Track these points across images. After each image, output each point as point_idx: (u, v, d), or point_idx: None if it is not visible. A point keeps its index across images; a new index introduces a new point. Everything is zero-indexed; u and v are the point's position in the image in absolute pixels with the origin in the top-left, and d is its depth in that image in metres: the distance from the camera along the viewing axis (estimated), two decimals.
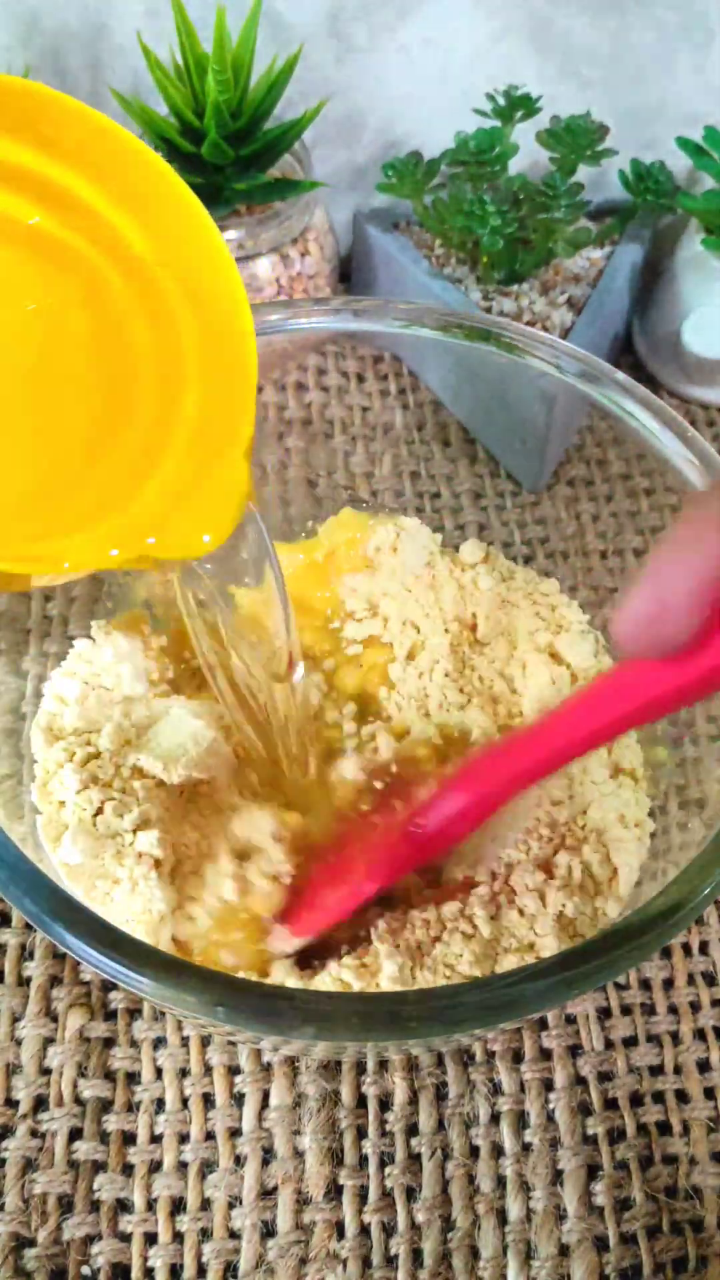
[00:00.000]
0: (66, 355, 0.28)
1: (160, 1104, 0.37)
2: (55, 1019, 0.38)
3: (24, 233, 0.27)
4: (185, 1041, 0.38)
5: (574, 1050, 0.39)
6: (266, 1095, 0.37)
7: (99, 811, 0.35)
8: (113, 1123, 0.37)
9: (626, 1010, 0.40)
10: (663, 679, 0.23)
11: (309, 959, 0.35)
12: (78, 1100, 0.37)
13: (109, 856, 0.33)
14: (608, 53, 0.54)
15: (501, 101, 0.53)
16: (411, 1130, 0.37)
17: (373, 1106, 0.37)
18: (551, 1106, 0.38)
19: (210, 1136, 0.37)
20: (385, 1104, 0.38)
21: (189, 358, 0.29)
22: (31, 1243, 0.35)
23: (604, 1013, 0.39)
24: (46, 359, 0.28)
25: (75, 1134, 0.37)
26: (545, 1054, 0.39)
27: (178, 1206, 0.36)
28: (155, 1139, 0.37)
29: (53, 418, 0.28)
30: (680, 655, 0.22)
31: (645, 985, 0.40)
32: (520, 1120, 0.37)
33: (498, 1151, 0.37)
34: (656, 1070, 0.39)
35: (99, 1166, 0.36)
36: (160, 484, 0.28)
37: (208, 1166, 0.36)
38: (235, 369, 0.30)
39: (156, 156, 0.28)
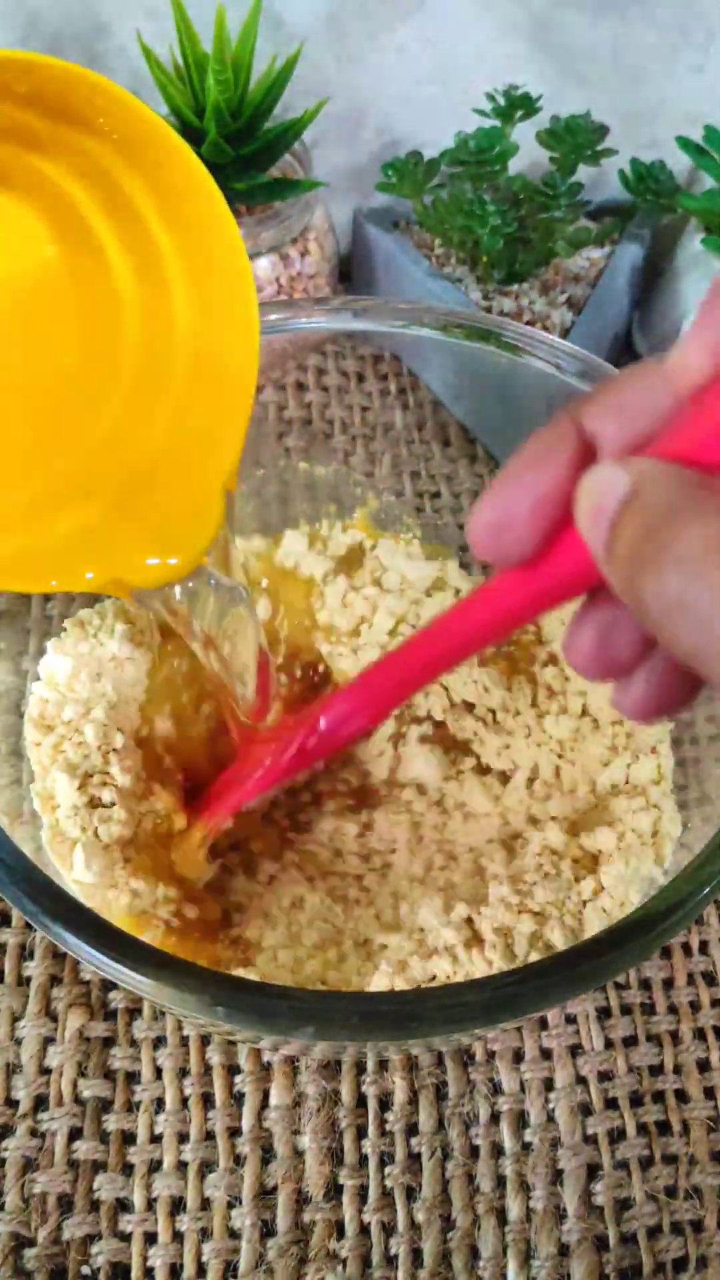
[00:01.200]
0: (60, 348, 0.28)
1: (160, 1103, 0.37)
2: (55, 1019, 0.38)
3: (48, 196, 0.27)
4: (185, 1041, 0.38)
5: (574, 1050, 0.39)
6: (266, 1095, 0.37)
7: (94, 805, 0.35)
8: (112, 1122, 0.37)
9: (626, 1010, 0.40)
10: (515, 589, 0.24)
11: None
12: (77, 1100, 0.37)
13: (118, 869, 0.34)
14: (608, 53, 0.54)
15: (501, 101, 0.53)
16: (411, 1130, 0.37)
17: (373, 1106, 0.37)
18: (551, 1106, 0.38)
19: (210, 1136, 0.37)
20: (385, 1104, 0.38)
21: (179, 376, 0.29)
22: (31, 1242, 0.35)
23: (604, 1012, 0.39)
24: (41, 352, 0.28)
25: (75, 1134, 0.37)
26: (545, 1054, 0.39)
27: (177, 1206, 0.36)
28: (155, 1139, 0.37)
29: (43, 419, 0.28)
30: (529, 565, 0.23)
31: (645, 985, 0.40)
32: (520, 1120, 0.37)
33: (498, 1151, 0.37)
34: (656, 1070, 0.39)
35: (99, 1166, 0.36)
36: (136, 506, 0.28)
37: (207, 1166, 0.36)
38: (230, 395, 0.30)
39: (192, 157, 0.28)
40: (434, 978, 0.33)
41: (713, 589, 0.18)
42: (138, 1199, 0.36)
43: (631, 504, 0.20)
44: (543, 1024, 0.39)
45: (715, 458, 0.20)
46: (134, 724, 0.40)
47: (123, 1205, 0.36)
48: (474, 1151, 0.37)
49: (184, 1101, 0.37)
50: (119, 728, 0.38)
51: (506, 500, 0.22)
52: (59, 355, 0.29)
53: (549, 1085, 0.38)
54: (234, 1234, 0.35)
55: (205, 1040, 0.38)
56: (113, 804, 0.36)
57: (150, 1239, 0.35)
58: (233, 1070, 0.38)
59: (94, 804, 0.36)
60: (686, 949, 0.41)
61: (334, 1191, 0.36)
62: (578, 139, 0.53)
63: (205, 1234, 0.35)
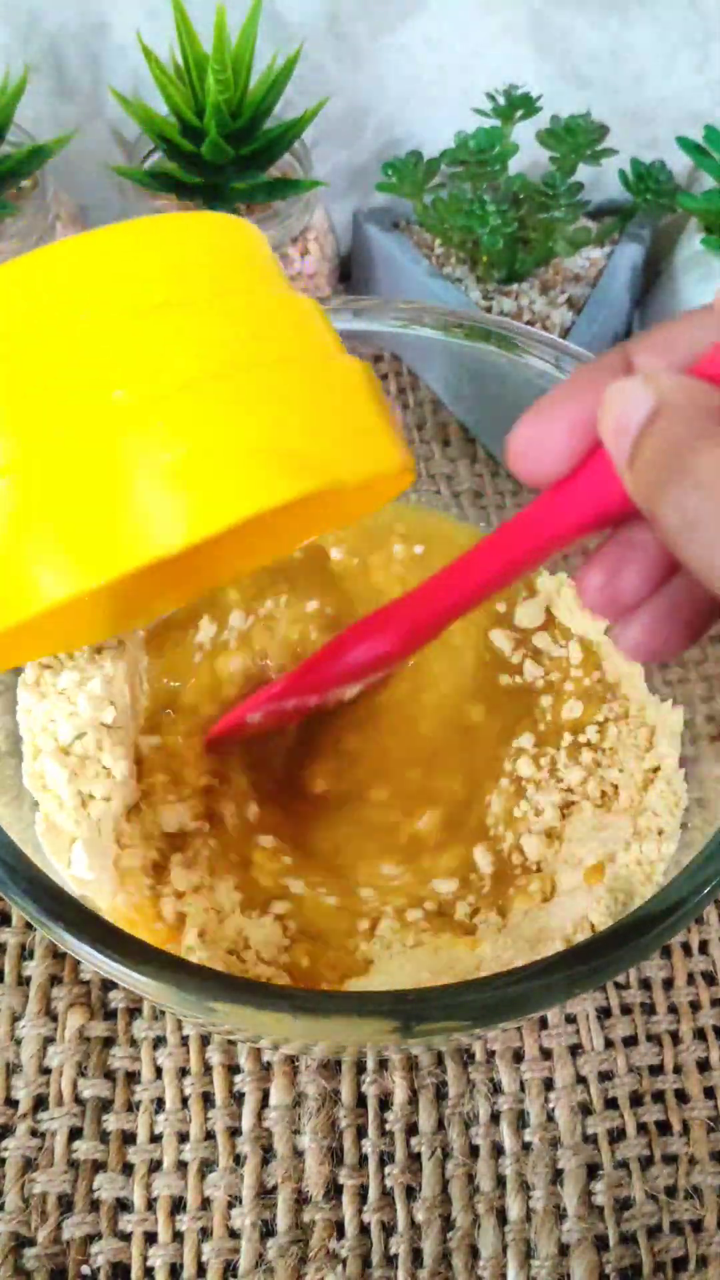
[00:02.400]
0: None
1: (160, 1103, 0.37)
2: (55, 1018, 0.38)
3: None
4: (185, 1041, 0.38)
5: (574, 1049, 0.39)
6: (266, 1094, 0.37)
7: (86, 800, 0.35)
8: (112, 1122, 0.37)
9: (626, 1010, 0.40)
10: (547, 513, 0.25)
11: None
12: (77, 1100, 0.37)
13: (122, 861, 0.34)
14: (608, 53, 0.54)
15: (501, 101, 0.52)
16: (411, 1129, 0.37)
17: (372, 1106, 0.37)
18: (551, 1106, 0.38)
19: (210, 1136, 0.37)
20: (385, 1103, 0.38)
21: None
22: (31, 1242, 0.35)
23: (604, 1012, 0.39)
24: None
25: (75, 1133, 0.37)
26: (545, 1053, 0.39)
27: (177, 1206, 0.36)
28: (155, 1138, 0.37)
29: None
30: (561, 488, 0.24)
31: (645, 985, 0.40)
32: (520, 1119, 0.37)
33: (498, 1151, 0.37)
34: (656, 1070, 0.39)
35: (99, 1166, 0.36)
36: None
37: (207, 1166, 0.36)
38: None
39: None
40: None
41: None
42: (138, 1199, 0.36)
43: (655, 422, 0.21)
44: (543, 1024, 0.39)
45: None
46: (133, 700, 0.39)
47: (123, 1205, 0.36)
48: (474, 1151, 0.37)
49: (184, 1101, 0.37)
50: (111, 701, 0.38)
51: (548, 418, 0.23)
52: None
53: (549, 1085, 0.38)
54: (234, 1234, 0.35)
55: (205, 1040, 0.38)
56: (108, 798, 0.35)
57: (150, 1239, 0.35)
58: (233, 1070, 0.38)
59: (85, 800, 0.36)
60: (686, 949, 0.41)
61: (334, 1191, 0.36)
62: (578, 139, 0.52)
63: (205, 1234, 0.35)
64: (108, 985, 0.39)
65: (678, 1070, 0.39)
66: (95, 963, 0.28)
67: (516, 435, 0.24)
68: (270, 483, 0.25)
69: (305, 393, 0.27)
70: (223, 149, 0.48)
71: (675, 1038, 0.39)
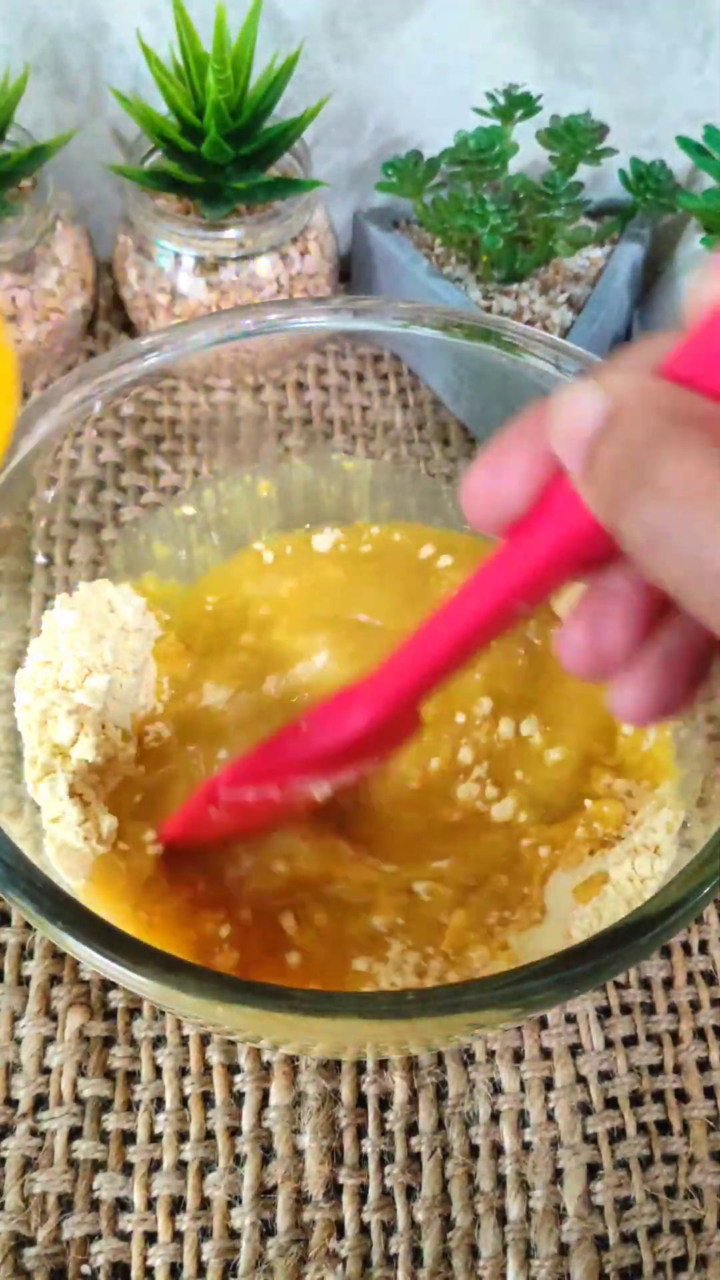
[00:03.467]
0: None
1: (160, 1103, 0.37)
2: (55, 1018, 0.38)
3: None
4: (185, 1040, 0.38)
5: (574, 1049, 0.39)
6: (266, 1094, 0.37)
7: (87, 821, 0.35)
8: (112, 1122, 0.37)
9: (626, 1009, 0.40)
10: (512, 558, 0.23)
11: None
12: (77, 1099, 0.37)
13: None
14: (608, 53, 0.54)
15: (501, 100, 0.52)
16: (411, 1129, 0.37)
17: (372, 1105, 0.37)
18: (551, 1105, 0.38)
19: (210, 1135, 0.37)
20: (385, 1103, 0.38)
21: None
22: (31, 1242, 0.35)
23: (604, 1012, 0.39)
24: None
25: (75, 1133, 0.37)
26: (545, 1053, 0.39)
27: (177, 1205, 0.36)
28: (155, 1138, 0.37)
29: None
30: (524, 528, 0.22)
31: (645, 984, 0.40)
32: (520, 1119, 0.37)
33: (497, 1151, 0.37)
34: (656, 1069, 0.39)
35: (98, 1165, 0.36)
36: None
37: (207, 1165, 0.36)
38: None
39: None
40: None
41: (693, 523, 0.18)
42: (137, 1198, 0.36)
43: (611, 429, 0.19)
44: (542, 1023, 0.39)
45: (707, 378, 0.19)
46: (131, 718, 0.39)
47: (122, 1204, 0.36)
48: (474, 1151, 0.37)
49: (184, 1101, 0.37)
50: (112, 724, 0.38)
51: (500, 461, 0.22)
52: None
53: (549, 1084, 0.38)
54: (234, 1233, 0.35)
55: (205, 1040, 0.38)
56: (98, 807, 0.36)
57: (150, 1238, 0.35)
58: (233, 1069, 0.38)
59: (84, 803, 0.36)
60: (686, 948, 0.41)
61: (334, 1191, 0.36)
62: (578, 139, 0.52)
63: (205, 1233, 0.35)
64: (108, 985, 0.39)
65: (678, 1070, 0.39)
66: (95, 963, 0.28)
67: (471, 480, 0.22)
68: None
69: None
70: (223, 149, 0.48)
71: (675, 1037, 0.39)
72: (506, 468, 0.22)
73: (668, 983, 0.40)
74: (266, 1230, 0.35)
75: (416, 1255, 0.35)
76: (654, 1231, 0.36)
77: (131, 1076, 0.38)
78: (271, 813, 0.34)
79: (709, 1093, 0.38)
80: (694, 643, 0.22)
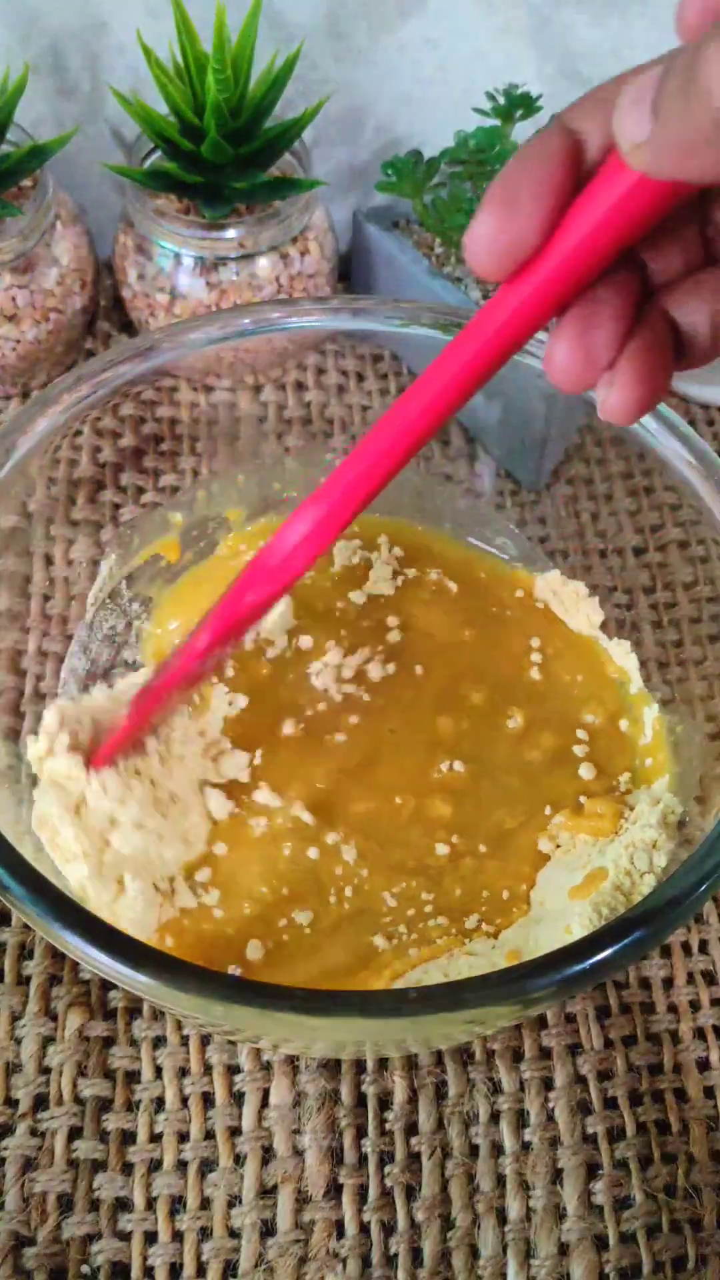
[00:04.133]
0: None
1: (160, 1103, 0.37)
2: (55, 1018, 0.38)
3: None
4: (185, 1040, 0.38)
5: (573, 1049, 0.39)
6: (266, 1094, 0.37)
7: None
8: (112, 1122, 0.37)
9: (626, 1009, 0.40)
10: (516, 295, 0.23)
11: None
12: (77, 1099, 0.37)
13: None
14: (608, 53, 0.54)
15: (501, 100, 0.53)
16: (411, 1129, 0.37)
17: (372, 1105, 0.37)
18: (551, 1105, 0.38)
19: (210, 1135, 0.37)
20: (385, 1103, 0.38)
21: None
22: (31, 1241, 0.35)
23: (603, 1011, 0.39)
24: None
25: (75, 1133, 0.37)
26: (545, 1053, 0.39)
27: (177, 1205, 0.36)
28: (155, 1138, 0.37)
29: None
30: (528, 269, 0.23)
31: (645, 984, 0.40)
32: (520, 1119, 0.37)
33: (497, 1150, 0.37)
34: (656, 1069, 0.39)
35: (99, 1165, 0.36)
36: None
37: (207, 1165, 0.36)
38: None
39: None
40: None
41: None
42: (137, 1198, 0.36)
43: (674, 62, 0.19)
44: (542, 1023, 0.39)
45: None
46: None
47: (122, 1204, 0.36)
48: (474, 1150, 0.37)
49: (184, 1101, 0.37)
50: None
51: (504, 201, 0.22)
52: None
53: (548, 1084, 0.38)
54: (234, 1233, 0.35)
55: (205, 1040, 0.38)
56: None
57: (150, 1238, 0.35)
58: (233, 1070, 0.38)
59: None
60: (686, 948, 0.41)
61: (334, 1191, 0.36)
62: None
63: (205, 1233, 0.35)
64: (108, 985, 0.39)
65: (677, 1070, 0.39)
66: (95, 963, 0.28)
67: (476, 227, 0.22)
68: None
69: None
70: (223, 148, 0.48)
71: (675, 1037, 0.39)
72: (513, 205, 0.22)
73: (668, 982, 0.40)
74: (266, 1230, 0.35)
75: (416, 1255, 0.35)
76: (653, 1231, 0.36)
77: (131, 1076, 0.38)
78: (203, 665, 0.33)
79: (708, 1093, 0.38)
80: (664, 334, 0.24)
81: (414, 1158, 0.37)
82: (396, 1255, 0.35)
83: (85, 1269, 0.35)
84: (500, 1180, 0.36)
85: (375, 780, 0.40)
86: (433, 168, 0.54)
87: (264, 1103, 0.37)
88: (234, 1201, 0.36)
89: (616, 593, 0.44)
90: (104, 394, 0.40)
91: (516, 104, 0.53)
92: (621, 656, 0.43)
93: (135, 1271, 0.35)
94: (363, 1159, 0.37)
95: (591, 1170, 0.37)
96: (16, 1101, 0.37)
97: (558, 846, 0.38)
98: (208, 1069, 0.38)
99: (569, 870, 0.37)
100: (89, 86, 0.54)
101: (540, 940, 0.35)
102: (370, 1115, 0.37)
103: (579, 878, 0.36)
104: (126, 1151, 0.37)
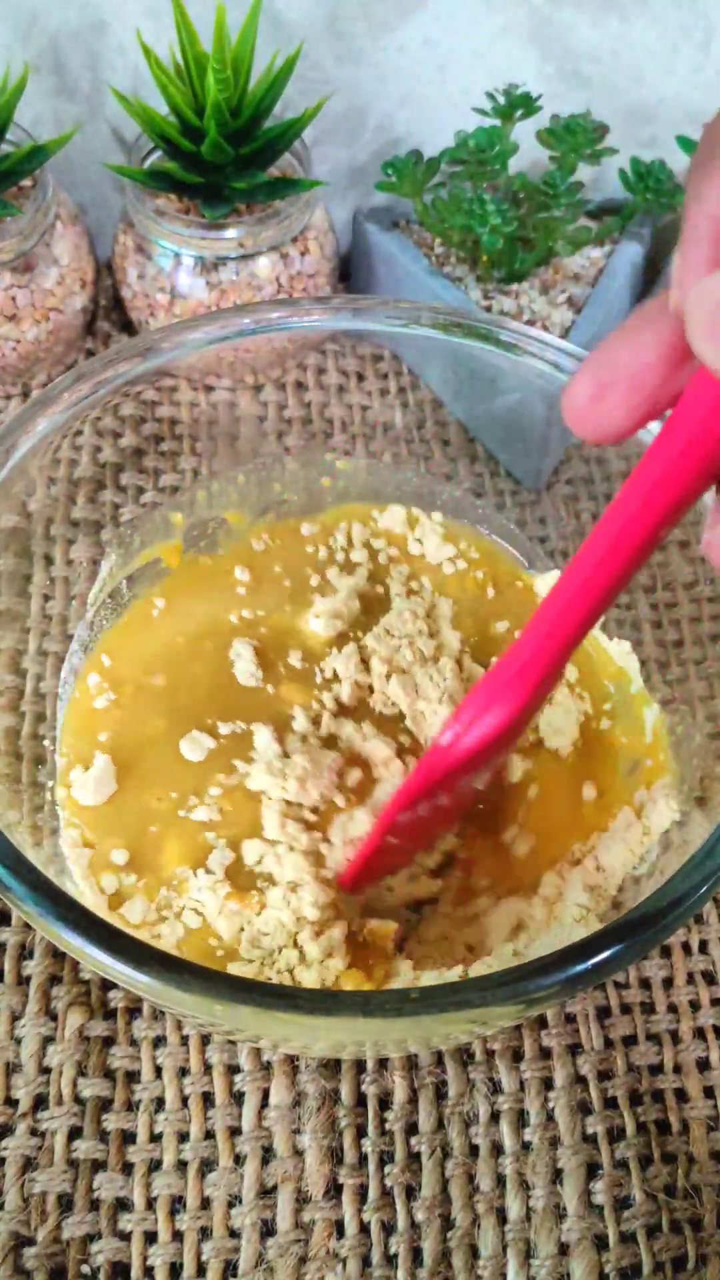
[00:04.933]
0: None
1: (160, 1103, 0.37)
2: (55, 1018, 0.38)
3: None
4: (185, 1040, 0.38)
5: (573, 1049, 0.39)
6: (266, 1094, 0.37)
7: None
8: (112, 1121, 0.37)
9: (626, 1009, 0.40)
10: (646, 478, 0.23)
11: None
12: (77, 1099, 0.37)
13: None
14: (608, 53, 0.54)
15: (501, 100, 0.52)
16: (411, 1129, 0.37)
17: (372, 1105, 0.37)
18: (551, 1105, 0.38)
19: (210, 1135, 0.37)
20: (385, 1103, 0.38)
21: None
22: (31, 1241, 0.35)
23: (603, 1011, 0.39)
24: None
25: (75, 1133, 0.37)
26: (545, 1053, 0.39)
27: (177, 1205, 0.36)
28: (155, 1138, 0.37)
29: None
30: (667, 440, 0.22)
31: (645, 984, 0.40)
32: (520, 1119, 0.37)
33: (497, 1150, 0.37)
34: (656, 1069, 0.39)
35: (99, 1165, 0.36)
36: None
37: (207, 1165, 0.36)
38: None
39: None
40: None
41: None
42: (137, 1198, 0.36)
43: None
44: (542, 1023, 0.39)
45: None
46: None
47: (122, 1204, 0.36)
48: (474, 1150, 0.37)
49: (184, 1100, 0.37)
50: None
51: (608, 364, 0.22)
52: None
53: (548, 1084, 0.38)
54: (234, 1233, 0.35)
55: (205, 1040, 0.38)
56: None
57: (150, 1238, 0.35)
58: (233, 1069, 0.38)
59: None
60: (686, 948, 0.41)
61: (334, 1190, 0.36)
62: (578, 138, 0.52)
63: (205, 1233, 0.35)
64: (108, 985, 0.39)
65: (677, 1069, 0.39)
66: (95, 963, 0.28)
67: (575, 387, 0.22)
68: None
69: None
70: (223, 148, 0.48)
71: (675, 1037, 0.39)
72: (617, 368, 0.22)
73: (668, 982, 0.40)
74: (266, 1230, 0.35)
75: (416, 1255, 0.35)
76: (653, 1231, 0.36)
77: (131, 1076, 0.38)
78: (445, 820, 0.35)
79: (708, 1092, 0.38)
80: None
81: (414, 1157, 0.37)
82: (396, 1255, 0.35)
83: (85, 1269, 0.35)
84: (500, 1180, 0.36)
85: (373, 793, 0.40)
86: (433, 168, 0.54)
87: (264, 1102, 0.37)
88: (234, 1201, 0.36)
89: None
90: (104, 394, 0.40)
91: (516, 104, 0.53)
92: (621, 656, 0.43)
93: (135, 1271, 0.35)
94: (363, 1159, 0.37)
95: (591, 1170, 0.37)
96: (16, 1101, 0.37)
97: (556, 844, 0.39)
98: (208, 1069, 0.38)
99: (569, 870, 0.37)
100: (89, 86, 0.54)
101: (541, 941, 0.35)
102: (370, 1115, 0.37)
103: (579, 875, 0.36)
104: (126, 1151, 0.37)
